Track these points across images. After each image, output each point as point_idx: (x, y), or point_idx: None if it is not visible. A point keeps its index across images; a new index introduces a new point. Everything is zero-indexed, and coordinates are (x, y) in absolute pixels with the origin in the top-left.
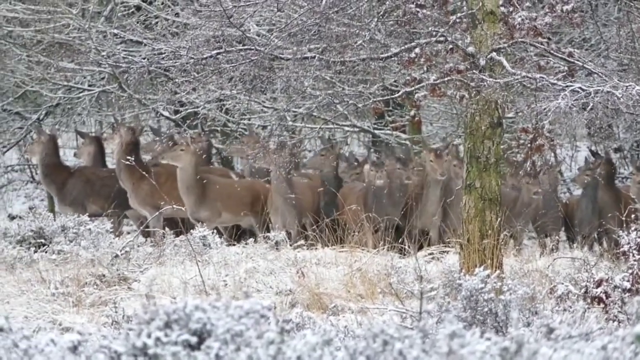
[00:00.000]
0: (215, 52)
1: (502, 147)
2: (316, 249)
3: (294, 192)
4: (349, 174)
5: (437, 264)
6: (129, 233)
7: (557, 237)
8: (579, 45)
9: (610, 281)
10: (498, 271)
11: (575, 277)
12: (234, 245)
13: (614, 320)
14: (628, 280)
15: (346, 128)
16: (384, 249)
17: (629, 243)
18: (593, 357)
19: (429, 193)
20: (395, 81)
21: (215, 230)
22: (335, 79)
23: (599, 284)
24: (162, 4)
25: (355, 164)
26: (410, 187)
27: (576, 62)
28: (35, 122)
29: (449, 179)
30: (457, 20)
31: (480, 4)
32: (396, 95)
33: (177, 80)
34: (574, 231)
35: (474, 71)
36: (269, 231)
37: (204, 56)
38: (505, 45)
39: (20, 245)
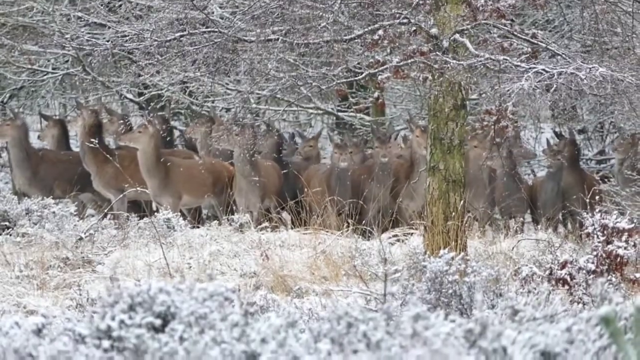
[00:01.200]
0: (178, 34)
1: (465, 128)
2: (280, 231)
3: (258, 174)
4: (303, 150)
5: (402, 246)
6: (93, 216)
7: (521, 218)
8: (543, 27)
9: (575, 263)
10: (462, 253)
11: (540, 259)
12: (198, 227)
13: (578, 302)
14: (592, 262)
15: (310, 110)
16: (347, 231)
17: (593, 225)
18: (557, 338)
19: (419, 170)
20: (358, 63)
21: (179, 213)
22: (298, 61)
23: (563, 265)
24: None
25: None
26: (395, 166)
27: (540, 43)
28: None
29: None
30: (420, 2)
31: None
32: (359, 77)
33: (140, 62)
34: (538, 213)
35: (437, 53)
36: (232, 214)
37: (168, 39)
38: (469, 27)
39: None
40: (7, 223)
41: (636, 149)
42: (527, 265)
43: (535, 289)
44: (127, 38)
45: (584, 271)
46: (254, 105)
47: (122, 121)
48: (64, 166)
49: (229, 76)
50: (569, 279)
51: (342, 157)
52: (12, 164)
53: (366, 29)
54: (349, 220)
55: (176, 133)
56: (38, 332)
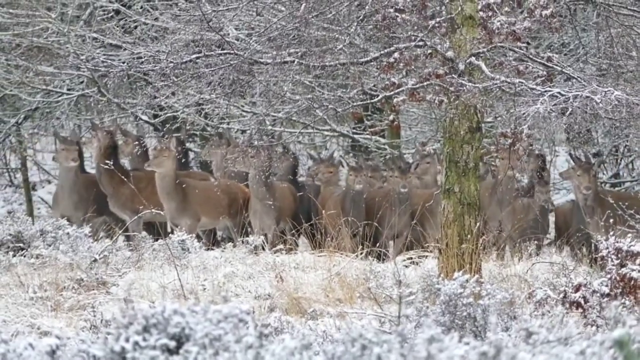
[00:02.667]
0: (194, 56)
1: (481, 151)
2: (295, 253)
3: (273, 196)
4: (323, 175)
5: (416, 268)
6: (107, 237)
7: (536, 242)
8: (558, 50)
9: (589, 286)
10: (477, 276)
11: (554, 282)
12: (212, 249)
13: (592, 325)
14: (606, 285)
15: (325, 132)
16: (362, 253)
17: (607, 248)
18: None
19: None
20: (374, 86)
21: (194, 235)
22: (314, 83)
23: (577, 288)
24: (142, 8)
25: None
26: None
27: (555, 66)
28: (14, 126)
29: None
30: (436, 24)
31: (459, 8)
32: (375, 99)
33: (156, 84)
34: (563, 237)
35: (453, 76)
36: (247, 235)
37: (183, 60)
38: (484, 49)
39: None
40: (21, 244)
41: None
42: (541, 288)
43: (549, 311)
44: (143, 59)
45: (598, 294)
46: (269, 127)
47: (137, 142)
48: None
49: (244, 98)
50: (582, 302)
51: (357, 180)
52: (62, 187)
53: (382, 52)
54: (364, 242)
55: (191, 155)
56: (52, 353)
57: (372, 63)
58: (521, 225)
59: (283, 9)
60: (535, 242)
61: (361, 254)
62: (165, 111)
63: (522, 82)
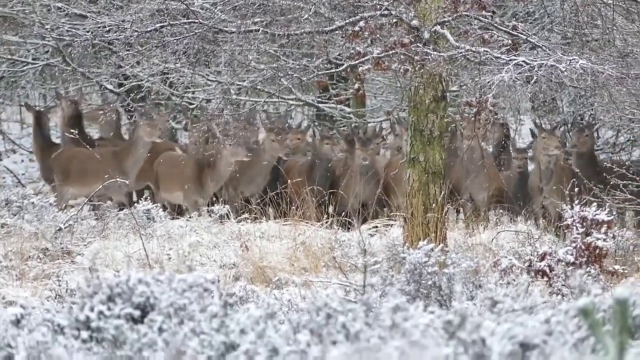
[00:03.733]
0: (159, 25)
1: (445, 120)
2: (260, 222)
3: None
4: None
5: (381, 237)
6: (72, 207)
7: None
8: (523, 19)
9: (554, 255)
10: (442, 245)
11: (519, 251)
12: (177, 218)
13: (557, 294)
14: (572, 254)
15: (290, 102)
16: (327, 222)
17: (572, 217)
18: (536, 330)
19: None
20: (339, 55)
21: (159, 204)
22: (279, 52)
23: (542, 257)
24: None
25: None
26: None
27: (520, 35)
28: None
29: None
30: None
31: None
32: (340, 68)
33: (121, 53)
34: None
35: (418, 44)
36: (212, 205)
37: (148, 29)
38: (449, 18)
39: None
40: None
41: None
42: (506, 257)
43: (514, 280)
44: (108, 29)
45: (563, 263)
46: (234, 97)
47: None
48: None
49: (209, 67)
50: (548, 271)
51: (364, 156)
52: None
53: (347, 21)
54: (329, 211)
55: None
56: (17, 322)
57: (337, 32)
58: (495, 194)
59: None
60: (508, 211)
61: (326, 222)
62: (130, 80)
63: (487, 51)
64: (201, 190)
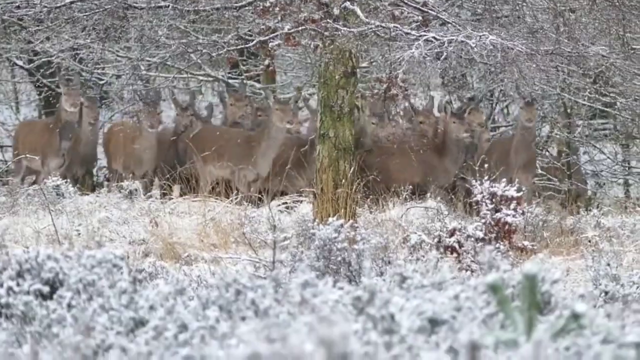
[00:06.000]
0: (69, 1)
1: (356, 96)
2: (170, 198)
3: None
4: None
5: (291, 213)
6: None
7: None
8: None
9: (464, 231)
10: (351, 221)
11: (429, 227)
12: (87, 194)
13: (466, 270)
14: (481, 230)
15: (200, 77)
16: (237, 199)
17: (481, 192)
18: (445, 306)
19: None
20: (249, 30)
21: (68, 180)
22: (189, 28)
23: (452, 233)
24: None
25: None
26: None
27: (430, 11)
28: None
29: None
30: None
31: None
32: (250, 44)
33: (30, 29)
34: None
35: (328, 20)
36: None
37: (58, 5)
38: None
39: None
40: None
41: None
42: (415, 233)
43: (423, 256)
44: (17, 4)
45: (473, 239)
46: (144, 72)
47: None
48: None
49: (119, 43)
50: (457, 247)
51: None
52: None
53: None
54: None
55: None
56: None
57: (247, 8)
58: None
59: None
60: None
61: (236, 199)
62: (40, 56)
63: (397, 27)
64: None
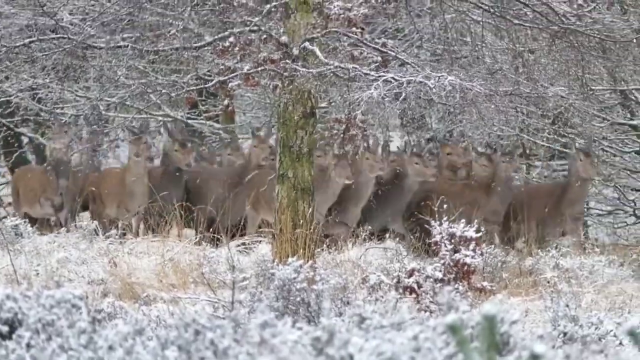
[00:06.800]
0: (28, 40)
1: (315, 137)
2: (129, 238)
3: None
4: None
5: (250, 253)
6: None
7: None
8: (393, 36)
9: (422, 271)
10: (311, 261)
11: (388, 267)
12: (45, 234)
13: (425, 310)
14: (440, 271)
15: (159, 117)
16: (196, 239)
17: (440, 233)
18: (404, 346)
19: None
20: (208, 70)
21: (27, 220)
22: (148, 68)
23: (411, 274)
24: None
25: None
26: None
27: (389, 52)
28: None
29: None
30: (272, 9)
31: None
32: (209, 84)
33: None
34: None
35: (287, 61)
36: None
37: (17, 44)
38: (319, 35)
39: None
40: None
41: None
42: (374, 274)
43: (382, 297)
44: None
45: (432, 279)
46: (103, 112)
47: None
48: None
49: (78, 83)
50: (416, 287)
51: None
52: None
53: (216, 37)
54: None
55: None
56: None
57: (206, 48)
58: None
59: None
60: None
61: (195, 239)
62: None
63: (356, 68)
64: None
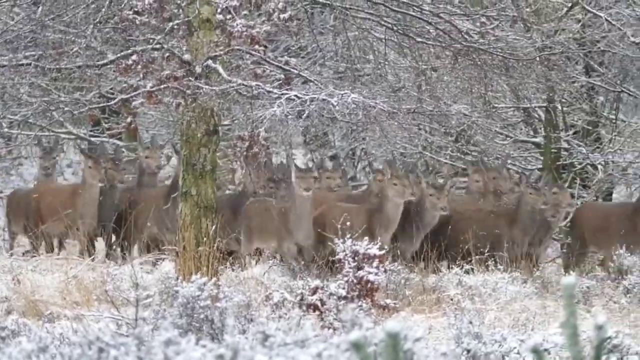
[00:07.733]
0: None
1: (217, 154)
2: (33, 256)
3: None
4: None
5: (154, 271)
6: None
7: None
8: (296, 54)
9: (326, 289)
10: (214, 279)
11: (291, 285)
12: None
13: (329, 328)
14: (343, 288)
15: (62, 135)
16: (99, 257)
17: (344, 251)
18: None
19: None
20: (111, 88)
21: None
22: (51, 85)
23: (314, 291)
24: None
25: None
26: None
27: (292, 70)
28: None
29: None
30: (174, 27)
31: (197, 11)
32: (112, 102)
33: None
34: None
35: (190, 79)
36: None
37: None
38: (222, 52)
39: None
40: None
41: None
42: (278, 291)
43: (286, 314)
44: None
45: (335, 297)
46: (5, 130)
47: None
48: None
49: None
50: (320, 305)
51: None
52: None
53: (119, 54)
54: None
55: None
56: None
57: (109, 65)
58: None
59: (20, 11)
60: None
61: (99, 257)
62: None
63: (259, 85)
64: None
